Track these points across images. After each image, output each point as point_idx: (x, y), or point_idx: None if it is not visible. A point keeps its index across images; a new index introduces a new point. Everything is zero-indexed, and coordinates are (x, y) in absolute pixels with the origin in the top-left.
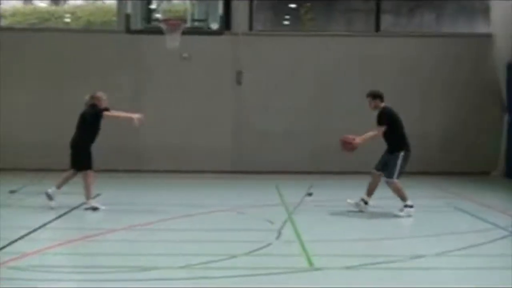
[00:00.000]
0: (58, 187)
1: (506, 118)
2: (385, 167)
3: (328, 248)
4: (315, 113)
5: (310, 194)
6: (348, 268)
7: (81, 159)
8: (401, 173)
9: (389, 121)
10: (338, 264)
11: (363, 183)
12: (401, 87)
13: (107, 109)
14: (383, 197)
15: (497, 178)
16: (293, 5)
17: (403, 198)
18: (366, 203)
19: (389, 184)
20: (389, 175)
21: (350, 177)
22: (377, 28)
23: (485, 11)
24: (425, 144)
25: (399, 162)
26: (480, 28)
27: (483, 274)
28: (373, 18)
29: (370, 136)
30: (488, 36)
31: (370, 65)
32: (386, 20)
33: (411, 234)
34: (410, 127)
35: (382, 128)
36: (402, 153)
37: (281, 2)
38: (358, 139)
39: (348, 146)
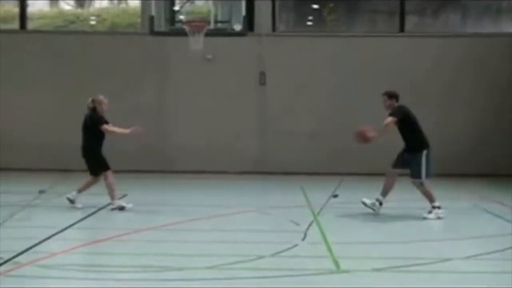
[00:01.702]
0: (79, 191)
1: None
2: (408, 167)
3: (354, 250)
4: (339, 114)
5: (335, 196)
6: (375, 270)
7: (95, 165)
8: (429, 173)
9: (405, 118)
10: (365, 267)
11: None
12: (426, 88)
13: (106, 122)
14: (408, 199)
15: None
16: (316, 6)
17: (431, 199)
18: (381, 203)
19: (416, 185)
20: (416, 175)
21: (376, 179)
22: (401, 28)
23: (511, 11)
24: (451, 146)
25: (423, 161)
26: (506, 27)
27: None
28: (397, 19)
29: (382, 129)
30: None
31: (394, 65)
32: (410, 21)
33: (438, 237)
34: (434, 128)
35: (394, 119)
36: (424, 152)
37: (304, 3)
38: (373, 133)
39: (361, 137)
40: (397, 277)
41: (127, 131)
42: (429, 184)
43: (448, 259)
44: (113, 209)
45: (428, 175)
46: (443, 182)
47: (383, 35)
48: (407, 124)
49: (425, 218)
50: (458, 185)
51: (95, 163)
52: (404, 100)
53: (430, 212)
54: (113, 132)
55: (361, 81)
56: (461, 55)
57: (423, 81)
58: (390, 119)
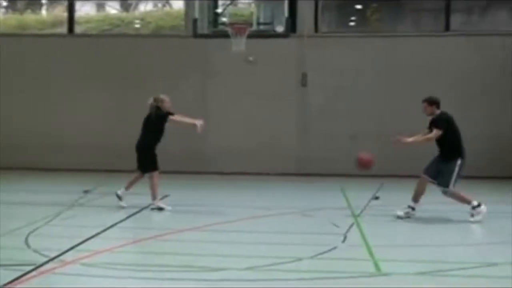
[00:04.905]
0: (127, 188)
1: None
2: (439, 175)
3: (396, 253)
4: (381, 115)
5: (377, 198)
6: (418, 274)
7: (146, 161)
8: (456, 181)
9: (446, 127)
10: (407, 270)
11: (432, 187)
12: (473, 87)
13: (171, 113)
14: (452, 202)
15: None
16: (359, 6)
17: (467, 201)
18: (413, 209)
19: (447, 194)
20: (445, 184)
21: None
22: (447, 27)
23: None
24: (495, 147)
25: (456, 170)
26: None
27: None
28: (443, 18)
29: (425, 138)
30: None
31: (439, 65)
32: (457, 20)
33: (482, 240)
34: (479, 128)
35: (440, 132)
36: (459, 161)
37: (347, 3)
38: (409, 139)
39: (362, 164)
40: (440, 281)
41: (195, 121)
42: (456, 189)
43: (493, 264)
44: (152, 209)
45: (455, 184)
46: (487, 184)
47: (428, 34)
48: (446, 132)
49: (471, 222)
50: (502, 188)
51: (147, 160)
52: (449, 100)
53: (472, 215)
54: (181, 122)
55: (405, 82)
56: (509, 54)
57: (469, 81)
58: (435, 132)
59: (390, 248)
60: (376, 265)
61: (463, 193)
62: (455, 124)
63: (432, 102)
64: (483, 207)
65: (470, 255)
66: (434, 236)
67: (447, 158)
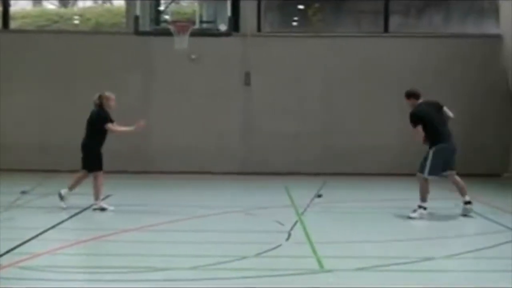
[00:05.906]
0: (71, 188)
1: None
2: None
3: (338, 250)
4: (324, 114)
5: (320, 196)
6: (359, 269)
7: (91, 161)
8: (436, 170)
9: (419, 121)
10: (349, 266)
11: (373, 184)
12: (409, 88)
13: (111, 121)
14: (395, 199)
15: (509, 180)
16: (301, 6)
17: (422, 198)
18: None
19: (418, 179)
20: (420, 169)
21: (360, 179)
22: (386, 29)
23: (494, 12)
24: None
25: (430, 157)
26: (489, 29)
27: (494, 277)
28: (382, 19)
29: (420, 140)
30: (497, 37)
31: (379, 65)
32: (395, 21)
33: (421, 236)
34: None
35: (417, 128)
36: (433, 148)
37: (289, 3)
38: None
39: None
40: (380, 276)
41: (131, 128)
42: (429, 183)
43: (431, 258)
44: (95, 209)
45: (433, 173)
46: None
47: (368, 35)
48: (424, 124)
49: (409, 218)
50: (439, 185)
51: (91, 160)
52: (391, 100)
53: (415, 210)
54: (117, 131)
55: (346, 81)
56: (445, 55)
57: (407, 81)
58: (416, 130)
59: (333, 245)
60: (319, 262)
61: (428, 191)
62: (429, 113)
63: (408, 95)
64: (425, 213)
65: (409, 250)
66: (376, 232)
67: (429, 146)
